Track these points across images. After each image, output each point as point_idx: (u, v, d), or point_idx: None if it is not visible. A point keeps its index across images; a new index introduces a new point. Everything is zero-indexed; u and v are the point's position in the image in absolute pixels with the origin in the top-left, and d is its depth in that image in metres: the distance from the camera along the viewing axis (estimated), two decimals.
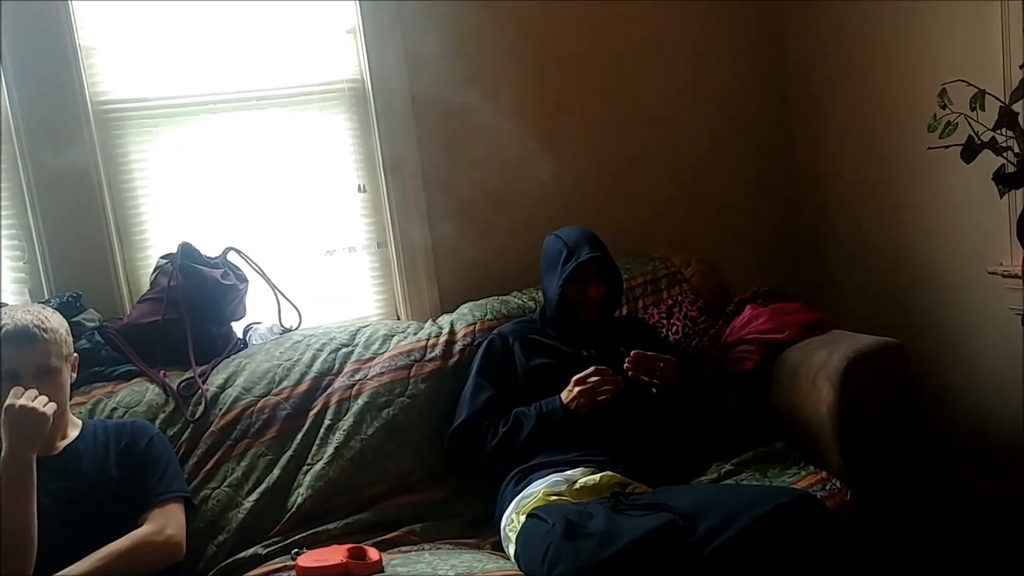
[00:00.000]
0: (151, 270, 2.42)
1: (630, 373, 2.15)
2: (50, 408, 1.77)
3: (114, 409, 2.15)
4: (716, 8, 3.02)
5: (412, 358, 2.40)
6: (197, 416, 2.19)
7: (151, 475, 1.92)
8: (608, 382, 2.12)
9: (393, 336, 2.46)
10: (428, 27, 2.66)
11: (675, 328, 2.58)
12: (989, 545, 2.47)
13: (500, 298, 2.63)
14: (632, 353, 2.16)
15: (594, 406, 2.12)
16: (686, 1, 2.97)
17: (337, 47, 2.63)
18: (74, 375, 1.96)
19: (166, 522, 1.86)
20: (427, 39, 2.66)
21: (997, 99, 1.87)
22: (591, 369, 2.14)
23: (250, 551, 2.04)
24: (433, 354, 2.42)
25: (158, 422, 2.15)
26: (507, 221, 2.80)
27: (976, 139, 1.87)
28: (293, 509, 2.13)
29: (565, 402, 2.15)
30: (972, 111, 1.86)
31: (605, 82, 2.92)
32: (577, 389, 2.13)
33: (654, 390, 2.17)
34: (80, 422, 2.00)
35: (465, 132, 2.74)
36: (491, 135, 2.77)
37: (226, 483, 2.13)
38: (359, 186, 2.69)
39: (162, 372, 2.26)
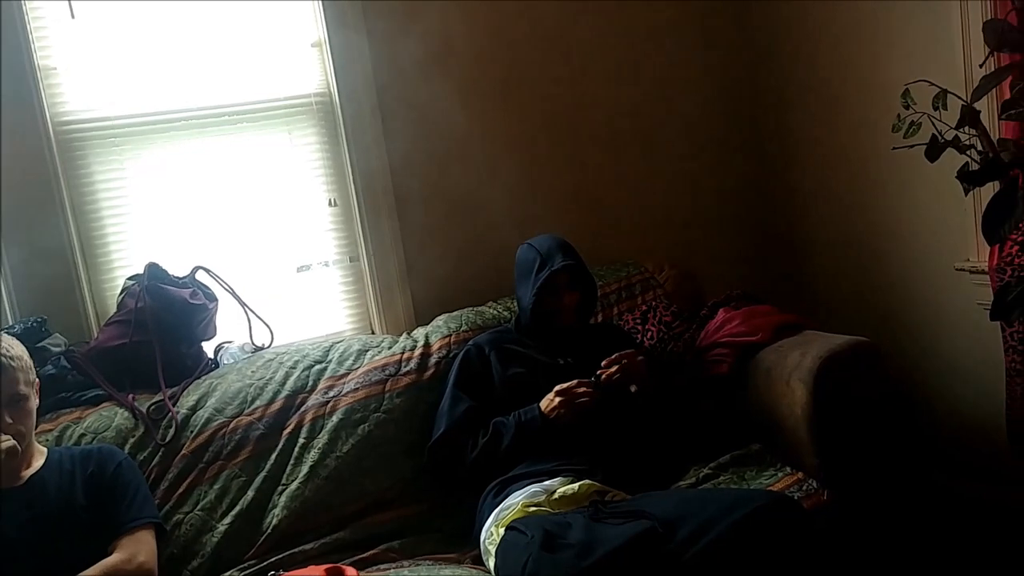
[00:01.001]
0: (118, 292, 2.39)
1: (603, 377, 2.15)
2: (7, 444, 1.75)
3: (82, 435, 2.11)
4: (685, 13, 3.03)
5: (387, 372, 2.38)
6: (168, 439, 2.16)
7: (120, 502, 1.89)
8: (589, 392, 2.12)
9: (367, 351, 2.44)
10: (395, 39, 2.65)
11: (650, 333, 2.58)
12: (964, 542, 2.49)
13: (475, 309, 2.62)
14: (602, 363, 2.15)
15: (574, 415, 2.12)
16: (655, 9, 2.98)
17: (303, 61, 2.61)
18: (36, 401, 1.93)
19: (137, 550, 1.83)
20: (394, 51, 2.66)
21: (959, 98, 1.88)
22: (574, 382, 2.13)
23: (225, 575, 2.01)
24: (408, 368, 2.40)
25: (127, 447, 2.12)
26: (480, 231, 2.80)
27: (940, 138, 1.88)
28: (269, 531, 2.10)
29: (545, 411, 2.14)
30: (935, 111, 1.87)
31: (576, 91, 2.92)
32: (559, 400, 2.12)
33: (632, 389, 2.16)
34: (46, 450, 1.97)
35: (436, 143, 2.73)
36: (462, 145, 2.77)
37: (199, 507, 2.10)
38: (329, 200, 2.68)
39: (131, 396, 2.22)
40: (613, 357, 2.16)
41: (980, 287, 2.41)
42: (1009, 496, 2.53)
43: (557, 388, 2.14)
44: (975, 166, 1.88)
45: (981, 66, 2.06)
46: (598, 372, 2.15)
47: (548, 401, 2.15)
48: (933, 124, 1.87)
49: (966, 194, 2.00)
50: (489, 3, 2.77)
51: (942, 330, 2.68)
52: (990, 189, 1.90)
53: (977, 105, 1.87)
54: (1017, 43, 1.82)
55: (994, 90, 2.04)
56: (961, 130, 1.88)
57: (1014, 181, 1.82)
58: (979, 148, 1.88)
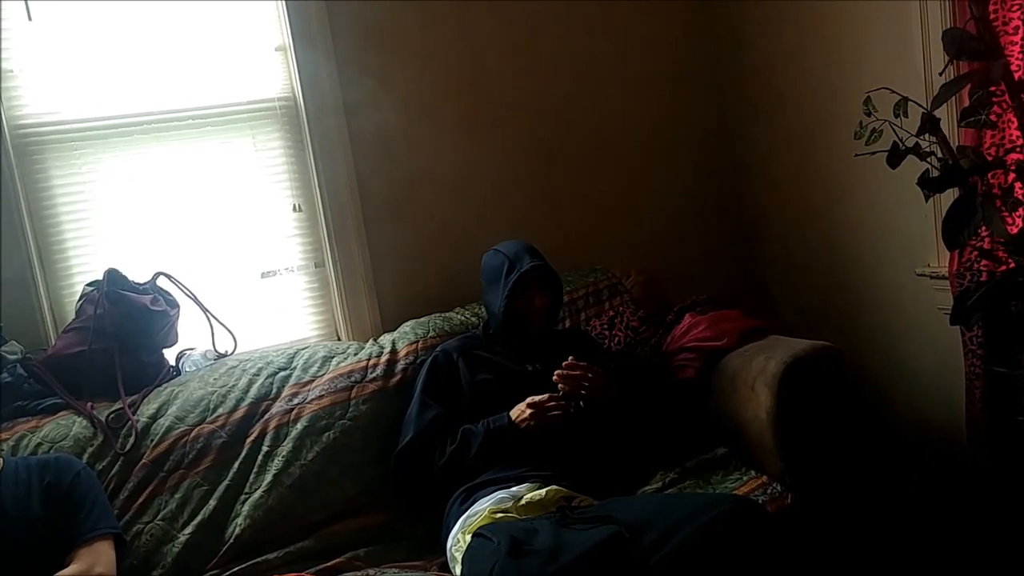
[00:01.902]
0: (76, 298, 2.35)
1: (560, 386, 2.15)
2: None
3: (39, 445, 2.07)
4: (651, 20, 3.05)
5: (353, 379, 2.36)
6: (127, 448, 2.12)
7: (77, 513, 1.85)
8: (561, 406, 2.12)
9: (333, 358, 2.42)
10: (360, 43, 2.64)
11: (617, 339, 2.59)
12: (924, 545, 2.51)
13: (443, 315, 2.60)
14: (555, 373, 2.15)
15: (544, 426, 2.11)
16: (621, 15, 2.99)
17: (267, 65, 2.59)
18: None
19: (95, 561, 1.80)
20: (359, 55, 2.64)
21: (920, 106, 1.91)
22: (546, 396, 2.13)
23: None
24: (375, 374, 2.38)
25: (86, 456, 2.08)
26: (448, 237, 2.79)
27: (901, 145, 1.90)
28: (231, 540, 2.08)
29: (515, 420, 2.14)
30: (896, 118, 1.90)
31: (542, 98, 2.92)
32: (530, 412, 2.12)
33: (582, 403, 2.16)
34: (1, 460, 1.92)
35: (402, 148, 2.72)
36: (429, 150, 2.76)
37: (160, 516, 2.07)
38: (294, 205, 2.65)
39: (89, 404, 2.18)
40: (576, 374, 2.15)
41: (940, 292, 2.45)
42: (969, 499, 2.56)
43: (529, 400, 2.13)
44: (935, 173, 1.91)
45: (941, 74, 2.09)
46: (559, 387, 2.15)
47: (519, 411, 2.14)
48: (894, 131, 1.90)
49: (927, 200, 2.03)
50: (455, 8, 2.76)
51: (903, 334, 2.71)
52: (950, 195, 1.92)
53: (937, 113, 1.90)
54: (976, 52, 1.85)
55: (954, 98, 2.07)
56: (921, 137, 1.90)
57: (973, 188, 1.84)
58: (939, 155, 1.91)
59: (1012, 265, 1.96)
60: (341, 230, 2.66)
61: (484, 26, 2.82)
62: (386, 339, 2.51)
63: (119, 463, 2.11)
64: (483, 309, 2.49)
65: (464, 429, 2.17)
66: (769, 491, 2.09)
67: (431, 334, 2.50)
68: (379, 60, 2.67)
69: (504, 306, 2.26)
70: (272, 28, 2.58)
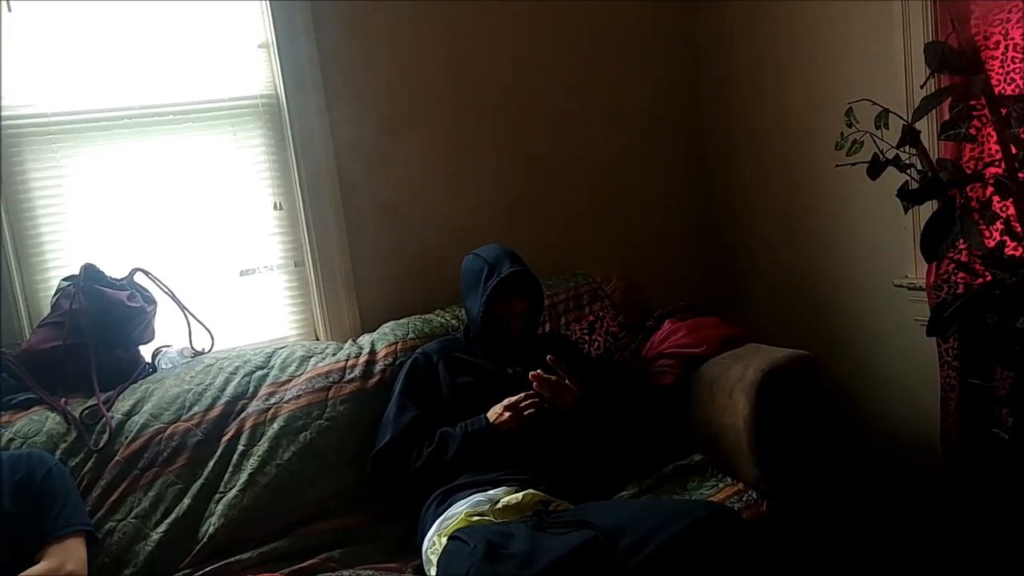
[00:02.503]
0: (52, 293, 2.32)
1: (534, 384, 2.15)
2: None
3: (11, 440, 2.05)
4: (631, 25, 3.05)
5: (331, 380, 2.34)
6: (101, 445, 2.10)
7: (49, 509, 1.83)
8: (535, 403, 2.13)
9: (311, 357, 2.40)
10: (344, 41, 2.63)
11: (597, 344, 2.59)
12: (898, 552, 2.53)
13: (422, 317, 2.60)
14: (530, 374, 2.16)
15: (521, 424, 2.11)
16: (601, 20, 3.00)
17: (249, 62, 2.57)
18: None
19: (65, 558, 1.78)
20: (343, 53, 2.63)
21: (900, 118, 1.93)
22: (521, 395, 2.13)
23: None
24: (353, 375, 2.37)
25: (59, 452, 2.06)
26: (429, 239, 2.78)
27: (881, 156, 1.92)
28: (205, 540, 2.06)
29: (493, 422, 2.13)
30: (877, 129, 1.91)
31: (524, 101, 2.92)
32: (508, 415, 2.12)
33: (545, 406, 2.16)
34: None
35: (385, 149, 2.71)
36: (411, 152, 2.75)
37: (132, 515, 2.05)
38: (275, 204, 2.64)
39: (63, 400, 2.16)
40: (537, 377, 2.16)
41: (917, 303, 2.47)
42: (944, 510, 2.58)
43: (506, 403, 2.14)
44: (915, 185, 1.93)
45: (922, 87, 2.11)
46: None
47: (495, 413, 2.14)
48: (875, 143, 1.92)
49: (906, 212, 2.05)
50: (440, 9, 2.76)
51: (880, 345, 2.73)
52: (929, 208, 1.94)
53: (917, 125, 1.93)
54: (957, 65, 1.87)
55: (934, 111, 2.09)
56: (902, 149, 1.92)
57: (952, 201, 1.86)
58: (919, 167, 1.92)
59: (989, 278, 1.98)
60: (322, 229, 2.64)
61: (469, 29, 2.81)
62: (365, 340, 2.50)
63: (92, 460, 2.08)
64: (463, 312, 2.48)
65: (442, 431, 2.17)
66: (744, 498, 2.11)
67: (410, 336, 2.49)
68: (363, 60, 2.66)
69: (483, 311, 2.25)
70: (256, 25, 2.56)
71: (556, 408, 2.16)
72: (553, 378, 2.16)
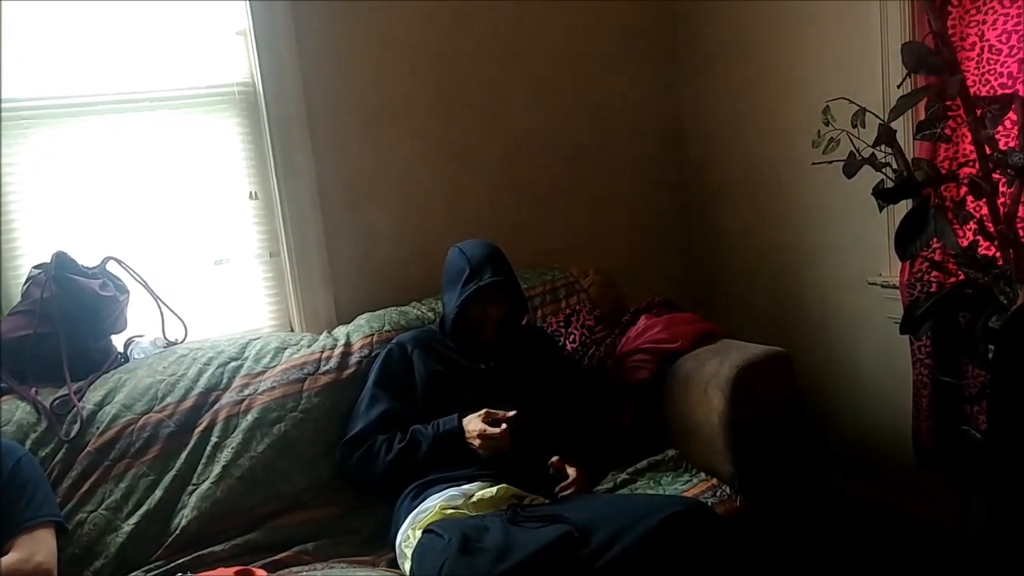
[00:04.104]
0: (22, 281, 2.28)
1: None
2: None
3: None
4: (615, 19, 3.06)
5: (305, 371, 2.33)
6: (72, 435, 2.07)
7: (18, 500, 1.81)
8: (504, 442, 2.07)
9: (285, 349, 2.39)
10: (323, 29, 2.60)
11: (572, 337, 2.59)
12: (870, 550, 2.56)
13: (399, 309, 2.59)
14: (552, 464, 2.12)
15: (489, 455, 2.08)
16: (585, 15, 3.00)
17: (226, 49, 2.54)
18: None
19: (34, 549, 1.76)
20: (322, 42, 2.61)
21: (877, 117, 1.94)
22: (502, 429, 2.06)
23: None
24: (328, 367, 2.36)
25: (28, 443, 2.03)
26: (406, 230, 2.77)
27: (857, 155, 1.94)
28: (177, 531, 2.05)
29: (466, 434, 2.10)
30: (853, 128, 1.93)
31: (507, 93, 2.91)
32: (479, 442, 2.07)
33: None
34: None
35: (363, 138, 2.69)
36: (389, 144, 2.73)
37: (103, 506, 2.03)
38: (251, 193, 2.61)
39: (33, 389, 2.13)
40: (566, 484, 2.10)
41: (891, 301, 2.49)
42: (915, 506, 2.62)
43: (481, 432, 2.06)
44: (890, 184, 1.94)
45: (899, 87, 2.13)
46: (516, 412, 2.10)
47: (469, 433, 2.09)
48: (851, 141, 1.93)
49: (880, 210, 2.07)
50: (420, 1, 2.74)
51: (853, 342, 2.76)
52: (903, 207, 1.96)
53: (894, 124, 1.94)
54: (934, 66, 1.88)
55: (910, 111, 2.11)
56: (878, 148, 1.94)
57: (926, 200, 1.88)
58: (894, 166, 1.94)
59: (962, 277, 2.00)
60: (298, 220, 2.62)
61: (449, 21, 2.79)
62: (340, 331, 2.49)
63: (63, 450, 2.06)
64: (439, 304, 2.47)
65: (414, 429, 2.15)
66: (719, 493, 2.12)
67: (386, 328, 2.48)
68: (342, 49, 2.64)
69: (455, 313, 2.23)
70: (234, 11, 2.53)
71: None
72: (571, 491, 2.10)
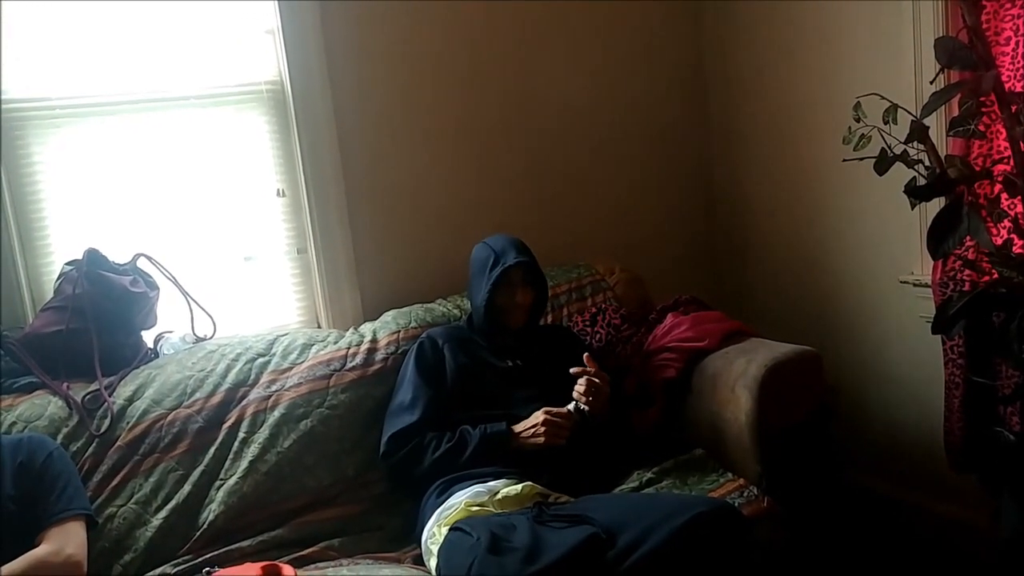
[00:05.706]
0: (55, 277, 2.31)
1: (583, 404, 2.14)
2: None
3: (13, 424, 2.04)
4: (641, 15, 3.04)
5: (332, 368, 2.34)
6: (103, 430, 2.10)
7: (49, 493, 1.82)
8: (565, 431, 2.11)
9: (312, 345, 2.40)
10: (350, 28, 2.61)
11: (599, 336, 2.58)
12: (900, 551, 2.53)
13: (425, 306, 2.59)
14: (578, 375, 2.15)
15: (552, 445, 2.10)
16: (611, 9, 2.98)
17: (255, 48, 2.55)
18: None
19: (65, 541, 1.78)
20: (349, 40, 2.62)
21: (909, 113, 1.91)
22: (565, 413, 2.12)
23: (158, 570, 1.97)
24: (354, 363, 2.36)
25: (60, 437, 2.05)
26: (432, 228, 2.78)
27: (889, 152, 1.91)
28: (205, 526, 2.06)
29: (521, 432, 2.12)
30: (885, 124, 1.90)
31: (532, 91, 2.91)
32: (544, 429, 2.10)
33: (585, 408, 2.14)
34: None
35: (389, 138, 2.70)
36: (416, 141, 2.74)
37: (133, 500, 2.05)
38: (278, 190, 2.63)
39: (65, 384, 2.15)
40: (585, 379, 2.14)
41: (923, 300, 2.46)
42: (947, 507, 2.58)
43: (546, 418, 2.11)
44: (922, 181, 1.91)
45: (932, 83, 2.10)
46: (576, 402, 2.14)
47: (531, 423, 2.12)
48: (883, 138, 1.90)
49: (912, 208, 2.04)
50: None
51: (884, 342, 2.72)
52: (936, 204, 1.93)
53: (926, 121, 1.91)
54: (968, 61, 1.85)
55: (943, 107, 2.08)
56: (910, 145, 1.91)
57: (959, 198, 1.85)
58: (927, 164, 1.91)
59: (995, 276, 1.97)
60: (325, 217, 2.63)
61: (477, 20, 2.79)
62: (367, 328, 2.50)
63: (94, 445, 2.08)
64: (465, 301, 2.48)
65: (462, 429, 2.15)
66: (746, 494, 2.09)
67: (412, 324, 2.49)
68: (369, 48, 2.64)
69: (486, 299, 2.25)
70: (263, 10, 2.54)
71: (593, 412, 2.14)
72: (597, 381, 2.14)
